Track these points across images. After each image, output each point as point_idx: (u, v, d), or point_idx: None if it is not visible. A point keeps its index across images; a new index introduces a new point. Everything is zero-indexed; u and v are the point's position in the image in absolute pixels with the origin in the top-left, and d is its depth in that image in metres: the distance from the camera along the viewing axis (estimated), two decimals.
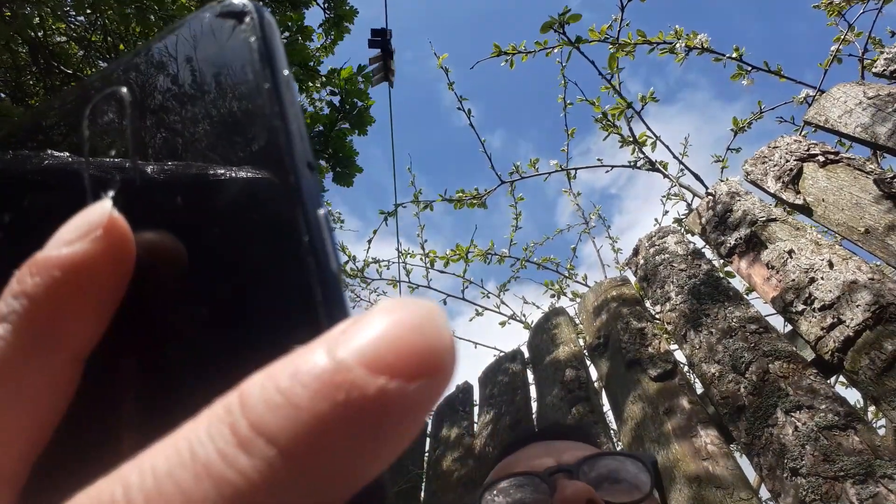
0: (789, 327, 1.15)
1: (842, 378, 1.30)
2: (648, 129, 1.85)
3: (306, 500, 0.10)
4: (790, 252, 1.14)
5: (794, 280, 1.09)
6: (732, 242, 1.30)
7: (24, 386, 0.13)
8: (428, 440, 1.82)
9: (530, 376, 1.73)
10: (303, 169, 0.13)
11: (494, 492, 0.52)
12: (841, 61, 1.64)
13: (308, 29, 2.33)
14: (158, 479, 0.10)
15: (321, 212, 0.13)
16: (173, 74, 0.16)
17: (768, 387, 0.98)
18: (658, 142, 1.86)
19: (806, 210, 1.21)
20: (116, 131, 0.16)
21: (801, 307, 1.05)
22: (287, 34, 2.24)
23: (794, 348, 1.06)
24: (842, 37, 1.62)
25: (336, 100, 2.33)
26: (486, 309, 2.42)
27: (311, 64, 2.32)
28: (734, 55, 1.65)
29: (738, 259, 1.29)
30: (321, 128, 2.33)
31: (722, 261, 1.38)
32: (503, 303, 2.43)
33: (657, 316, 1.42)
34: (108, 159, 0.16)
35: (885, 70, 1.25)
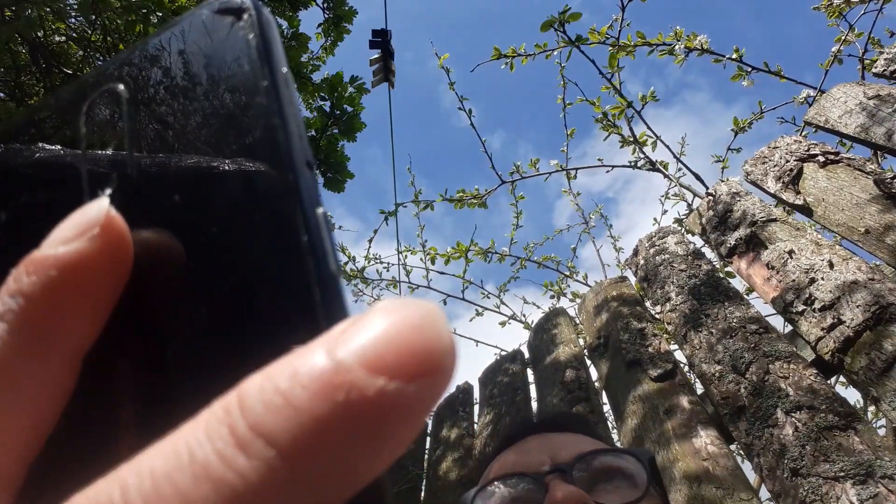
0: (789, 327, 1.15)
1: (842, 378, 1.30)
2: (649, 128, 1.85)
3: (306, 502, 0.10)
4: (790, 252, 1.14)
5: (794, 280, 1.09)
6: (732, 242, 1.30)
7: (20, 386, 0.13)
8: (428, 440, 1.82)
9: (530, 376, 1.73)
10: (301, 167, 0.13)
11: (487, 492, 0.52)
12: (841, 62, 1.64)
13: (303, 37, 2.33)
14: (156, 481, 0.10)
15: (320, 211, 0.13)
16: (170, 71, 0.16)
17: (768, 387, 0.98)
18: (658, 143, 1.86)
19: (806, 210, 1.21)
20: (114, 128, 0.16)
21: (801, 307, 1.05)
22: (282, 41, 2.23)
23: (794, 348, 1.06)
24: (842, 37, 1.62)
25: (327, 105, 2.33)
26: (486, 309, 2.42)
27: (305, 72, 2.32)
28: (734, 56, 1.65)
29: (738, 259, 1.29)
30: (312, 133, 2.32)
31: (722, 261, 1.38)
32: (503, 303, 2.43)
33: (657, 316, 1.42)
34: (105, 157, 0.15)
35: (885, 70, 1.25)
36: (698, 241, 1.53)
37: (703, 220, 1.44)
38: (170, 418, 0.11)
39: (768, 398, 0.97)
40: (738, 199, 1.37)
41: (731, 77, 1.68)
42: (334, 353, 0.10)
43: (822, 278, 1.04)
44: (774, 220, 1.24)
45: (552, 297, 2.36)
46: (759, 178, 1.38)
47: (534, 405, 1.59)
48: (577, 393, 1.40)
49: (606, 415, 1.43)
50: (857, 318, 0.94)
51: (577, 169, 2.16)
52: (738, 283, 1.35)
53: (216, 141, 0.14)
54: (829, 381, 1.00)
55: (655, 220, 2.20)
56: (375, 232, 2.44)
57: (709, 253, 1.48)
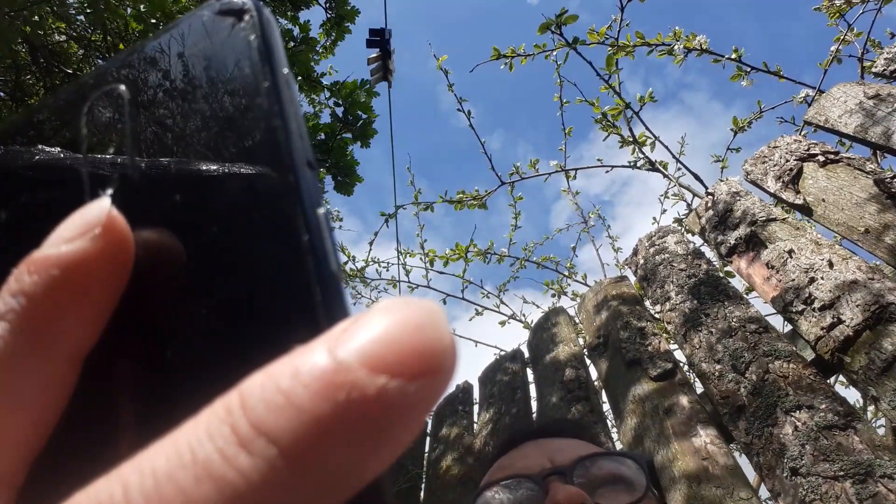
0: (789, 327, 1.15)
1: (841, 377, 1.30)
2: (647, 129, 1.85)
3: (307, 501, 0.10)
4: (790, 252, 1.14)
5: (793, 280, 1.09)
6: (732, 242, 1.30)
7: (21, 385, 0.13)
8: (428, 440, 1.82)
9: (530, 376, 1.73)
10: (302, 168, 0.13)
11: (488, 493, 0.52)
12: (841, 62, 1.64)
13: (313, 41, 2.33)
14: (158, 480, 0.10)
15: (321, 211, 0.13)
16: (171, 72, 0.16)
17: (768, 386, 0.98)
18: (657, 143, 1.86)
19: (806, 210, 1.21)
20: (114, 129, 0.16)
21: (800, 307, 1.05)
22: (292, 44, 2.24)
23: (794, 348, 1.06)
24: (841, 37, 1.62)
25: (339, 110, 2.34)
26: (486, 308, 2.42)
27: (315, 75, 2.32)
28: (733, 56, 1.65)
29: (738, 259, 1.29)
30: (322, 137, 2.33)
31: (722, 260, 1.38)
32: (503, 303, 2.43)
33: (657, 315, 1.42)
34: (106, 157, 0.15)
35: (884, 70, 1.25)
36: (698, 241, 1.53)
37: (703, 220, 1.44)
38: (170, 418, 0.11)
39: (768, 397, 0.97)
40: (737, 198, 1.37)
41: (730, 77, 1.68)
42: (335, 352, 0.10)
43: (822, 278, 1.04)
44: (774, 220, 1.24)
45: (553, 295, 2.36)
46: (758, 178, 1.38)
47: (533, 404, 1.59)
48: (576, 392, 1.40)
49: (606, 414, 1.43)
50: (856, 318, 0.94)
51: (576, 169, 2.16)
52: (737, 283, 1.35)
53: (217, 141, 0.14)
54: (828, 381, 1.00)
55: (655, 219, 2.20)
56: (376, 234, 2.44)
57: (708, 252, 1.48)
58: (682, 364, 1.28)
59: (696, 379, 1.23)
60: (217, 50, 0.15)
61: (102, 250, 0.13)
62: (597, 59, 1.77)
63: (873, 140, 1.15)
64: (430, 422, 1.88)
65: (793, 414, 0.92)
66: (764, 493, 1.06)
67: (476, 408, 1.80)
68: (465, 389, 1.90)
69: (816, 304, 1.02)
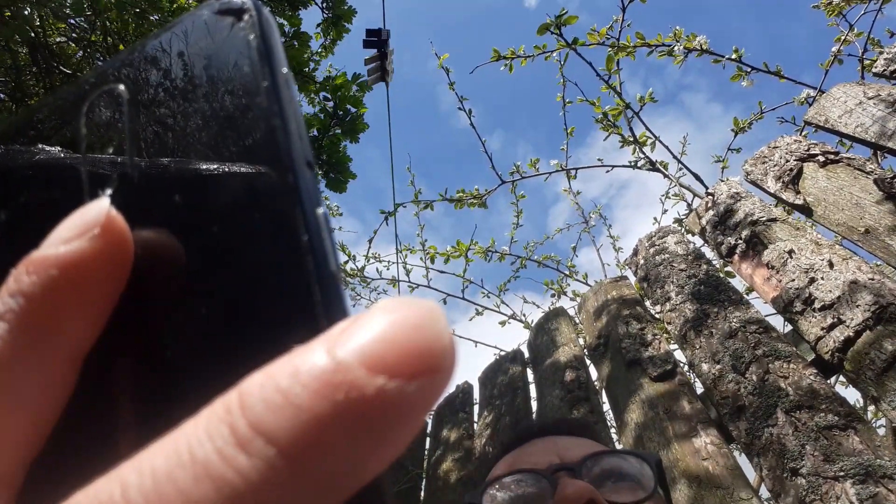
0: (789, 327, 1.15)
1: (842, 378, 1.30)
2: (648, 129, 1.85)
3: (306, 500, 0.10)
4: (790, 252, 1.14)
5: (794, 280, 1.09)
6: (732, 242, 1.30)
7: (21, 385, 0.13)
8: (428, 440, 1.82)
9: (530, 376, 1.73)
10: (301, 168, 0.13)
11: (496, 487, 0.52)
12: (841, 62, 1.64)
13: (304, 35, 2.33)
14: (157, 479, 0.10)
15: (320, 211, 0.13)
16: (171, 72, 0.16)
17: (768, 387, 0.98)
18: (657, 143, 1.86)
19: (806, 210, 1.21)
20: (114, 129, 0.16)
21: (801, 307, 1.05)
22: (283, 40, 2.24)
23: (794, 348, 1.06)
24: (842, 37, 1.62)
25: (330, 105, 2.33)
26: (486, 308, 2.42)
27: (307, 70, 2.32)
28: (733, 56, 1.65)
29: (738, 259, 1.29)
30: (315, 133, 2.32)
31: (722, 261, 1.38)
32: (503, 302, 2.43)
33: (657, 316, 1.42)
34: (105, 157, 0.15)
35: (885, 70, 1.25)
36: (698, 241, 1.53)
37: (703, 220, 1.44)
38: (170, 418, 0.11)
39: (768, 398, 0.97)
40: (738, 198, 1.37)
41: (730, 77, 1.68)
42: (334, 352, 0.10)
43: (822, 278, 1.04)
44: (774, 220, 1.24)
45: (553, 295, 2.36)
46: (759, 178, 1.38)
47: (534, 405, 1.59)
48: (577, 393, 1.40)
49: (606, 415, 1.43)
50: (856, 318, 0.94)
51: (577, 169, 2.16)
52: (738, 283, 1.35)
53: (216, 141, 0.14)
54: (829, 381, 1.00)
55: (656, 219, 2.20)
56: (375, 232, 2.44)
57: (709, 253, 1.48)
58: (682, 365, 1.28)
59: (697, 379, 1.23)
60: (216, 49, 0.15)
61: (101, 250, 0.13)
62: (597, 59, 1.77)
63: (873, 140, 1.15)
64: (429, 422, 1.88)
65: (793, 414, 0.92)
66: (764, 493, 1.06)
67: (476, 408, 1.80)
68: (465, 390, 1.90)
69: (817, 305, 1.02)
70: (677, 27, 1.64)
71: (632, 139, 1.88)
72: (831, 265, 1.04)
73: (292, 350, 0.11)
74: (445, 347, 0.10)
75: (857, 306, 0.95)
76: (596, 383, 1.48)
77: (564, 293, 2.35)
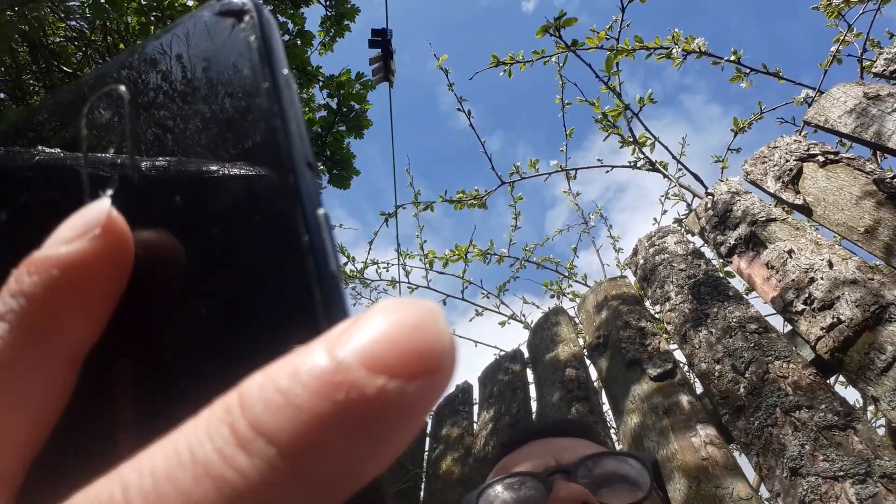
0: (789, 327, 1.15)
1: (841, 377, 1.30)
2: (647, 130, 1.85)
3: (306, 500, 0.10)
4: (790, 252, 1.14)
5: (793, 280, 1.09)
6: (732, 242, 1.30)
7: (21, 385, 0.13)
8: (428, 440, 1.82)
9: (530, 376, 1.73)
10: (302, 168, 0.13)
11: (491, 491, 0.52)
12: (840, 62, 1.65)
13: (308, 34, 2.33)
14: (157, 479, 0.10)
15: (321, 211, 0.13)
16: (171, 73, 0.16)
17: (768, 386, 0.98)
18: (657, 144, 1.86)
19: (806, 210, 1.21)
20: (114, 129, 0.16)
21: (800, 307, 1.05)
22: (287, 38, 2.24)
23: (794, 348, 1.06)
24: (841, 37, 1.62)
25: (333, 103, 2.33)
26: (486, 309, 2.42)
27: (310, 68, 2.32)
28: (732, 58, 1.65)
29: (737, 259, 1.29)
30: (318, 130, 2.32)
31: (721, 260, 1.38)
32: (503, 303, 2.43)
33: (657, 315, 1.42)
34: (105, 158, 0.16)
35: (884, 70, 1.25)
36: (698, 241, 1.53)
37: (703, 220, 1.44)
38: (170, 418, 0.11)
39: (768, 397, 0.97)
40: (737, 198, 1.37)
41: (729, 79, 1.68)
42: (335, 352, 0.10)
43: (822, 278, 1.04)
44: (774, 220, 1.24)
45: (552, 296, 2.36)
46: (758, 178, 1.38)
47: (533, 405, 1.59)
48: (576, 392, 1.40)
49: (606, 414, 1.43)
50: (856, 318, 0.94)
51: (576, 169, 2.16)
52: (737, 283, 1.35)
53: (217, 142, 0.14)
54: (828, 381, 1.00)
55: (655, 220, 2.21)
56: (375, 234, 2.43)
57: (708, 253, 1.48)
58: (681, 364, 1.28)
59: (696, 379, 1.23)
60: (217, 51, 0.15)
61: (102, 251, 0.13)
62: (596, 60, 1.77)
63: (873, 140, 1.15)
64: (429, 422, 1.88)
65: (792, 414, 0.92)
66: (764, 493, 1.06)
67: (476, 408, 1.80)
68: (465, 390, 1.90)
69: (816, 305, 1.02)
70: (676, 29, 1.64)
71: (631, 139, 1.88)
72: (831, 265, 1.04)
73: (292, 350, 0.11)
74: (445, 348, 0.10)
75: (857, 306, 0.95)
76: (595, 383, 1.48)
77: (564, 294, 2.35)
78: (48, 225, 0.14)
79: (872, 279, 0.97)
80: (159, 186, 0.15)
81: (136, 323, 0.14)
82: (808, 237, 1.16)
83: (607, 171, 2.05)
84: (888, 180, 1.06)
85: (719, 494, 0.94)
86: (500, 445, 0.63)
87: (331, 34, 2.52)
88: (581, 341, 1.65)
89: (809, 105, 1.44)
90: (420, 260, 2.39)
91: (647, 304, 1.50)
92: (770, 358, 1.03)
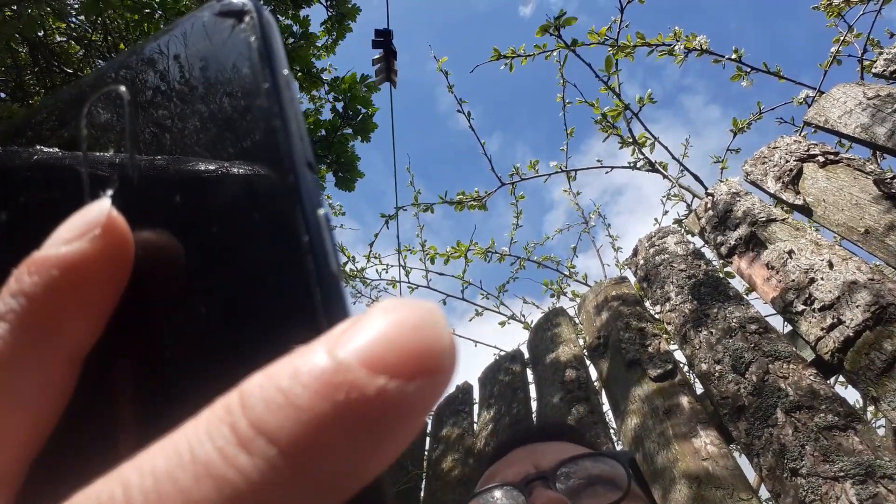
0: (789, 327, 1.15)
1: (841, 378, 1.30)
2: (647, 130, 1.85)
3: (306, 500, 0.10)
4: (790, 252, 1.14)
5: (794, 280, 1.09)
6: (732, 242, 1.30)
7: (21, 385, 0.13)
8: (428, 440, 1.82)
9: (530, 376, 1.73)
10: (302, 169, 0.13)
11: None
12: (840, 62, 1.65)
13: (313, 36, 2.33)
14: (158, 479, 0.10)
15: (321, 212, 0.13)
16: (171, 73, 0.16)
17: (768, 387, 0.98)
18: (657, 144, 1.86)
19: (806, 210, 1.21)
20: (114, 130, 0.16)
21: (800, 307, 1.05)
22: (292, 40, 2.24)
23: (794, 348, 1.06)
24: (841, 38, 1.62)
25: (339, 106, 2.33)
26: (486, 309, 2.42)
27: (315, 70, 2.32)
28: (733, 56, 1.65)
29: (737, 259, 1.29)
30: (323, 133, 2.33)
31: (722, 261, 1.38)
32: (502, 303, 2.43)
33: (657, 316, 1.42)
34: (105, 158, 0.16)
35: (884, 70, 1.25)
36: (698, 242, 1.53)
37: (703, 220, 1.44)
38: (170, 418, 0.11)
39: (768, 398, 0.97)
40: (737, 199, 1.37)
41: (730, 77, 1.68)
42: (335, 352, 0.10)
43: (822, 278, 1.04)
44: (774, 220, 1.24)
45: (552, 295, 2.36)
46: (758, 179, 1.38)
47: (533, 405, 1.59)
48: (576, 393, 1.40)
49: (606, 415, 1.43)
50: (856, 318, 0.94)
51: (576, 170, 2.16)
52: (737, 283, 1.35)
53: (217, 142, 0.14)
54: (828, 381, 1.00)
55: (656, 220, 2.21)
56: (376, 236, 2.44)
57: (708, 253, 1.48)
58: (682, 365, 1.28)
59: (697, 379, 1.23)
60: (217, 51, 0.15)
61: (102, 251, 0.13)
62: (596, 60, 1.77)
63: (873, 140, 1.15)
64: (430, 422, 1.88)
65: (793, 414, 0.92)
66: (764, 493, 1.06)
67: (476, 408, 1.80)
68: (465, 390, 1.90)
69: (816, 305, 1.02)
70: (677, 27, 1.64)
71: (631, 140, 1.88)
72: (831, 265, 1.04)
73: (293, 350, 0.11)
74: (445, 348, 0.10)
75: (857, 306, 0.95)
76: (596, 383, 1.48)
77: (564, 294, 2.35)
78: (48, 225, 0.14)
79: (873, 279, 0.97)
80: (159, 186, 0.15)
81: (137, 323, 0.14)
82: (808, 238, 1.16)
83: (607, 172, 2.06)
84: (888, 180, 1.06)
85: (719, 495, 0.94)
86: (487, 456, 0.63)
87: (332, 36, 2.52)
88: (581, 342, 1.65)
89: (809, 105, 1.44)
90: (420, 260, 2.40)
91: (648, 304, 1.50)
92: (770, 358, 1.03)
